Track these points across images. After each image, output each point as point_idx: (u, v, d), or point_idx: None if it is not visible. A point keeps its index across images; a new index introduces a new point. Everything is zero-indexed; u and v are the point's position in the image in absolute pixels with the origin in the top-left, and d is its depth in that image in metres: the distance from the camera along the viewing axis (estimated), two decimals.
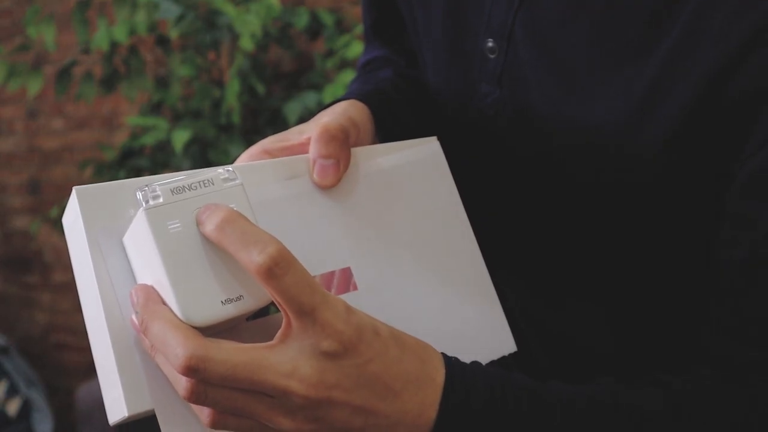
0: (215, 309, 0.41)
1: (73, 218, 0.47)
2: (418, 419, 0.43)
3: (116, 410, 0.45)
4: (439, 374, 0.44)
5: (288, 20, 1.95)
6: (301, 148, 0.54)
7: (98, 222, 0.45)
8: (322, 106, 0.62)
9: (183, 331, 0.40)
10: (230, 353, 0.39)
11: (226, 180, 0.43)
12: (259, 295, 0.42)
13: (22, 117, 3.04)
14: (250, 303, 0.42)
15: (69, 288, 3.01)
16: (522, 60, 0.57)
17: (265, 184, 0.51)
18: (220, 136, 1.88)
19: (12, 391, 2.60)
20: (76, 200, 0.45)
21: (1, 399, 2.56)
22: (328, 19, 1.93)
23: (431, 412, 0.43)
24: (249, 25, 1.78)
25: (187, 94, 2.04)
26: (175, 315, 0.41)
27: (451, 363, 0.45)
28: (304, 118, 1.86)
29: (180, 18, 1.86)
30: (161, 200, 0.41)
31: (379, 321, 0.44)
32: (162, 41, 1.98)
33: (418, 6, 0.66)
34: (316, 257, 0.51)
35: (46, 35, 1.97)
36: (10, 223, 3.14)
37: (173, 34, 1.88)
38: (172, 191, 0.42)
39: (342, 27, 2.00)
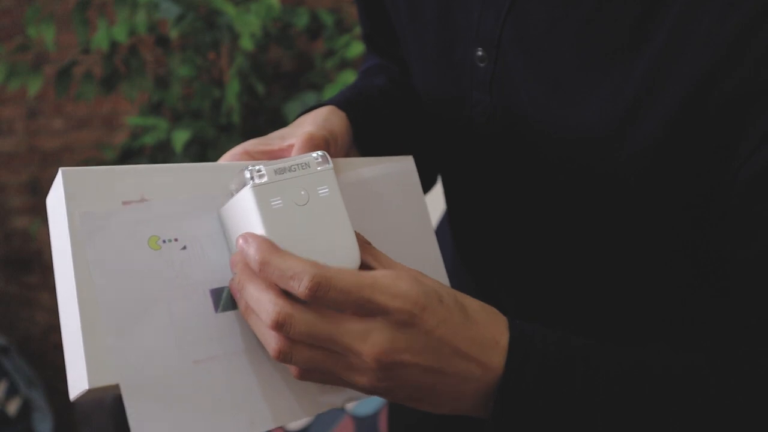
0: None
1: (56, 199, 0.48)
2: (484, 377, 0.47)
3: (78, 384, 0.46)
4: (504, 337, 0.47)
5: (288, 20, 1.95)
6: (281, 154, 0.56)
7: (81, 205, 0.47)
8: (305, 109, 0.63)
9: (275, 290, 0.45)
10: (313, 314, 0.44)
11: (319, 164, 0.48)
12: (350, 262, 0.47)
13: (22, 117, 3.04)
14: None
15: None
16: (511, 67, 0.58)
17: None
18: (220, 136, 1.88)
19: (12, 391, 2.60)
20: (61, 181, 0.47)
21: (1, 399, 2.56)
22: (328, 19, 1.93)
23: (497, 372, 0.47)
24: (249, 25, 1.78)
25: (187, 94, 2.04)
26: (257, 263, 0.45)
27: (516, 326, 0.48)
28: None
29: (180, 18, 1.86)
30: (266, 179, 0.46)
31: (444, 288, 0.47)
32: (162, 41, 1.98)
33: (409, 17, 0.67)
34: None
35: (46, 35, 1.97)
36: (10, 223, 3.14)
37: (173, 34, 1.88)
38: (275, 171, 0.47)
39: (342, 27, 1.99)
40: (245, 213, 0.47)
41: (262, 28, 1.86)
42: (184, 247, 0.49)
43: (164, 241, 0.49)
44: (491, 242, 0.66)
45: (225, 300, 0.50)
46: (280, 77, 2.13)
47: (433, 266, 0.61)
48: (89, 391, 0.45)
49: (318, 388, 0.51)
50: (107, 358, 0.45)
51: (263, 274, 0.45)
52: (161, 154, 1.98)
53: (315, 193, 0.48)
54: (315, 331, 0.44)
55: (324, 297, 0.43)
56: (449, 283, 0.61)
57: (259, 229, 0.46)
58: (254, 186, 0.46)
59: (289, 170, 0.47)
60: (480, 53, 0.60)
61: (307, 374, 0.47)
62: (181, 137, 1.80)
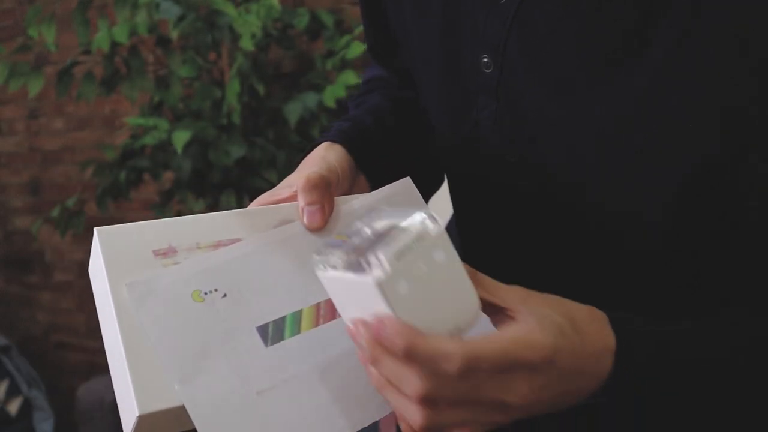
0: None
1: (96, 258, 0.53)
2: (600, 380, 0.50)
3: (130, 416, 0.49)
4: (610, 338, 0.50)
5: (288, 21, 1.95)
6: (291, 200, 0.60)
7: (118, 262, 0.52)
8: (306, 151, 0.67)
9: (418, 370, 0.45)
10: (458, 381, 0.45)
11: (432, 229, 0.47)
12: (470, 319, 0.48)
13: (23, 117, 3.04)
14: (463, 329, 0.48)
15: (69, 288, 3.02)
16: (516, 72, 0.59)
17: (265, 228, 0.58)
18: (221, 137, 1.88)
19: (13, 390, 2.61)
20: (97, 241, 0.52)
21: (2, 398, 2.57)
22: (328, 19, 1.93)
23: (608, 369, 0.50)
24: (249, 26, 1.78)
25: (188, 95, 2.04)
26: (402, 350, 0.45)
27: (616, 321, 0.51)
28: (304, 119, 1.87)
29: (180, 18, 1.86)
30: (389, 271, 0.44)
31: (557, 312, 0.49)
32: (162, 41, 1.98)
33: (414, 27, 0.68)
34: (309, 289, 0.57)
35: (47, 36, 1.98)
36: (11, 224, 3.15)
37: (174, 34, 1.89)
38: (396, 258, 0.45)
39: (342, 27, 2.00)
40: (369, 298, 0.46)
41: (263, 29, 1.87)
42: (225, 295, 0.54)
43: (206, 293, 0.53)
44: (499, 245, 0.67)
45: (272, 333, 0.54)
46: (281, 78, 2.13)
47: None
48: (140, 418, 0.48)
49: (365, 400, 0.54)
50: (154, 385, 0.49)
51: (409, 358, 0.45)
52: (162, 154, 1.98)
53: (432, 261, 0.46)
54: (461, 395, 0.46)
55: (475, 374, 0.45)
56: (472, 288, 0.62)
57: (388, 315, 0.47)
58: (379, 283, 0.44)
59: (408, 251, 0.45)
60: (485, 59, 0.61)
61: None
62: (181, 137, 1.80)
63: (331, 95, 1.80)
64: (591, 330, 0.50)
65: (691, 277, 0.57)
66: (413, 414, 0.46)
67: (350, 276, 0.47)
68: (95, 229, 0.53)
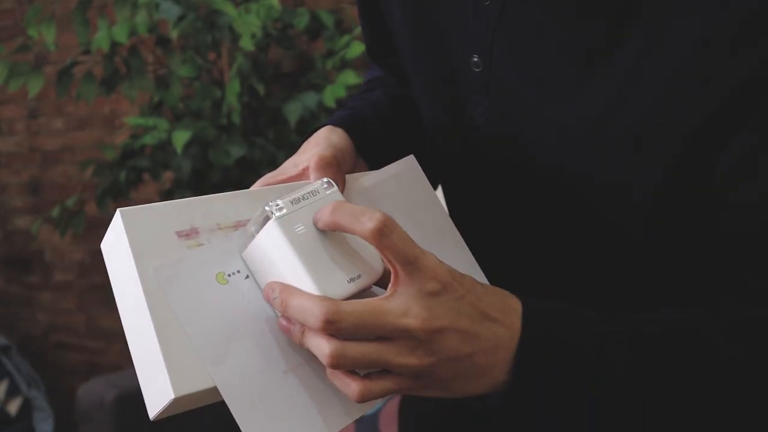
0: (344, 287, 0.50)
1: (117, 239, 0.53)
2: (512, 342, 0.51)
3: (160, 398, 0.49)
4: (518, 305, 0.52)
5: (288, 21, 1.95)
6: (298, 179, 0.61)
7: (142, 244, 0.52)
8: (305, 136, 0.68)
9: (317, 297, 0.49)
10: (356, 305, 0.48)
11: (326, 188, 0.53)
12: (372, 272, 0.52)
13: (23, 117, 3.04)
14: (366, 280, 0.52)
15: (69, 288, 3.02)
16: (504, 70, 0.61)
17: None
18: (221, 137, 1.88)
19: (13, 390, 2.61)
20: (120, 221, 0.52)
21: (1, 399, 2.57)
22: (328, 19, 1.93)
23: (517, 335, 0.51)
24: (249, 26, 1.78)
25: (188, 95, 2.04)
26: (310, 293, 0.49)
27: (525, 298, 0.53)
28: (304, 119, 1.87)
29: (180, 18, 1.86)
30: (285, 211, 0.50)
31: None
32: (162, 41, 1.98)
33: (406, 27, 0.70)
34: None
35: (46, 35, 1.98)
36: (11, 223, 3.15)
37: (174, 34, 1.89)
38: (291, 203, 0.51)
39: (342, 27, 2.00)
40: (274, 245, 0.51)
41: (263, 29, 1.87)
42: (247, 276, 0.54)
43: (229, 275, 0.54)
44: (491, 239, 0.68)
45: None
46: (281, 77, 2.13)
47: (455, 243, 0.65)
48: (174, 401, 0.49)
49: None
50: (189, 365, 0.50)
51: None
52: (162, 154, 1.98)
53: None
54: (362, 320, 0.47)
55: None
56: (475, 262, 0.64)
57: (290, 255, 0.50)
58: (277, 218, 0.50)
59: (303, 199, 0.51)
60: (475, 59, 0.62)
61: (367, 389, 0.49)
62: (181, 137, 1.80)
63: (331, 95, 1.80)
64: (496, 290, 0.52)
65: (677, 272, 0.58)
66: (322, 347, 0.48)
67: (260, 234, 0.52)
68: (119, 210, 0.52)
